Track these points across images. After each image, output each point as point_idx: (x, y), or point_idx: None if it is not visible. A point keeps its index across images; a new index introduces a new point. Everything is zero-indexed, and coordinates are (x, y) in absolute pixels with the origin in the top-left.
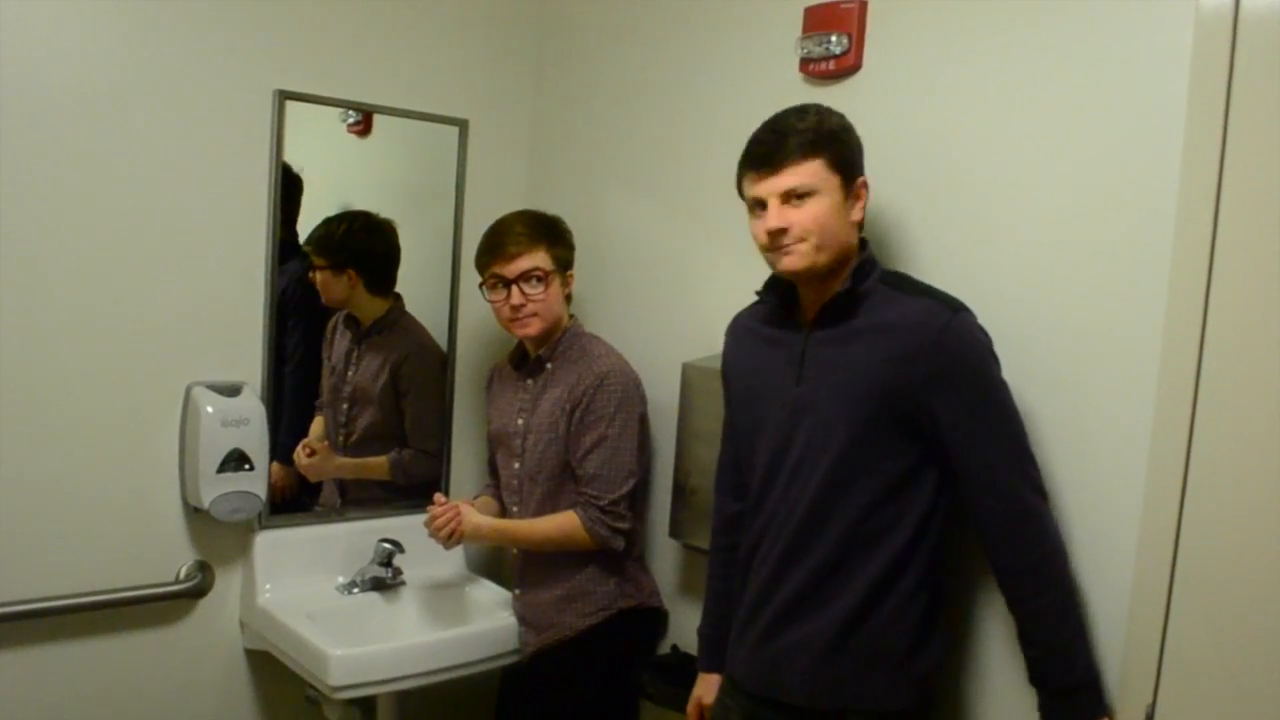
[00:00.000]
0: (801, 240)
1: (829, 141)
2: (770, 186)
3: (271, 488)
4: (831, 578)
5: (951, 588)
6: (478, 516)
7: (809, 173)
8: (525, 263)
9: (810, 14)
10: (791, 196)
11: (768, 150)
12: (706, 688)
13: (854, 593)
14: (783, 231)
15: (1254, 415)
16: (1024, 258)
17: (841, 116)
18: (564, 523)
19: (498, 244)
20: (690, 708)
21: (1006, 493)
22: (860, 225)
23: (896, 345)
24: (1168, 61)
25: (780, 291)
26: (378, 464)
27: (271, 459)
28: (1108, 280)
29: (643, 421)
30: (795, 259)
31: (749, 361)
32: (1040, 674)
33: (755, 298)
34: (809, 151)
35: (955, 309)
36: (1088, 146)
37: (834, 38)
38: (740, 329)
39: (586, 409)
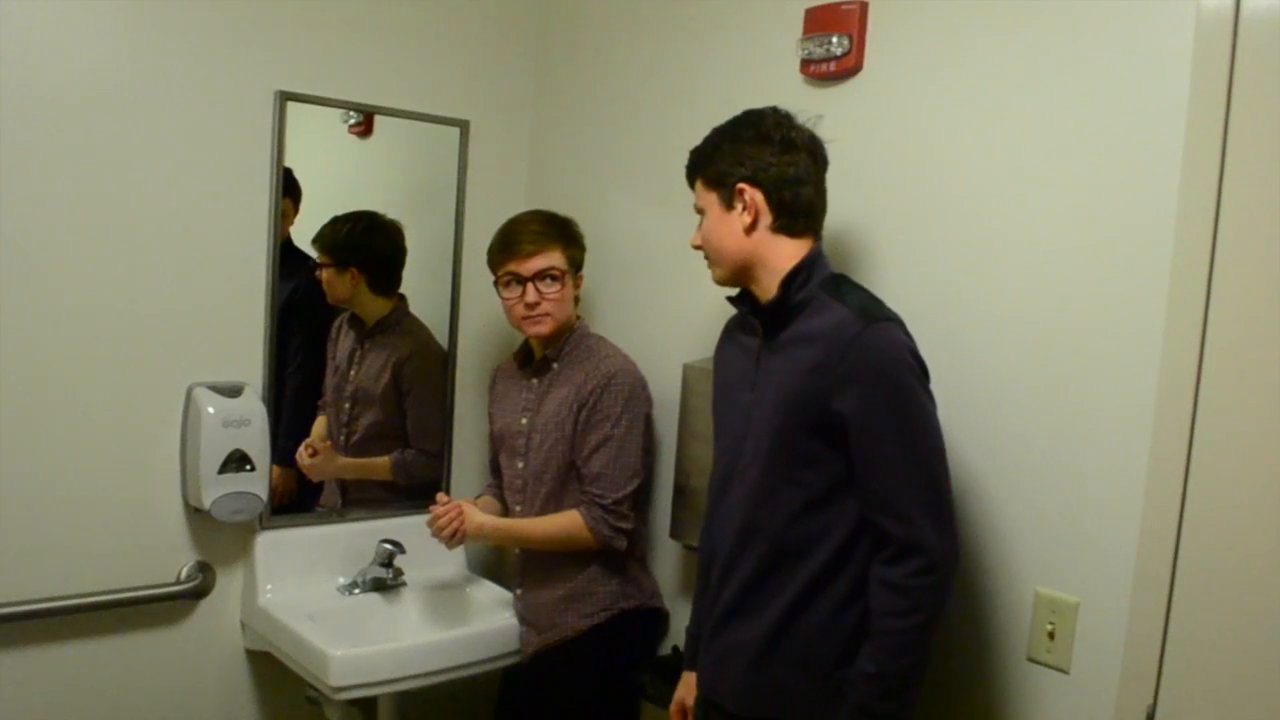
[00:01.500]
0: (707, 257)
1: (700, 163)
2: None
3: (272, 491)
4: (763, 586)
5: None
6: (480, 516)
7: (698, 195)
8: (541, 261)
9: (811, 15)
10: (699, 213)
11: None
12: (688, 688)
13: (782, 601)
14: (699, 249)
15: (1255, 417)
16: (1025, 259)
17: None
18: (567, 522)
19: (514, 242)
20: (672, 708)
21: (902, 517)
22: (751, 230)
23: (812, 355)
24: (1169, 63)
25: (751, 298)
26: (380, 464)
27: (272, 462)
28: (1109, 282)
29: (648, 423)
30: (711, 275)
31: (725, 366)
32: (859, 689)
33: (733, 303)
34: (692, 173)
35: (871, 319)
36: (1089, 148)
37: (835, 39)
38: (727, 332)
39: (593, 408)
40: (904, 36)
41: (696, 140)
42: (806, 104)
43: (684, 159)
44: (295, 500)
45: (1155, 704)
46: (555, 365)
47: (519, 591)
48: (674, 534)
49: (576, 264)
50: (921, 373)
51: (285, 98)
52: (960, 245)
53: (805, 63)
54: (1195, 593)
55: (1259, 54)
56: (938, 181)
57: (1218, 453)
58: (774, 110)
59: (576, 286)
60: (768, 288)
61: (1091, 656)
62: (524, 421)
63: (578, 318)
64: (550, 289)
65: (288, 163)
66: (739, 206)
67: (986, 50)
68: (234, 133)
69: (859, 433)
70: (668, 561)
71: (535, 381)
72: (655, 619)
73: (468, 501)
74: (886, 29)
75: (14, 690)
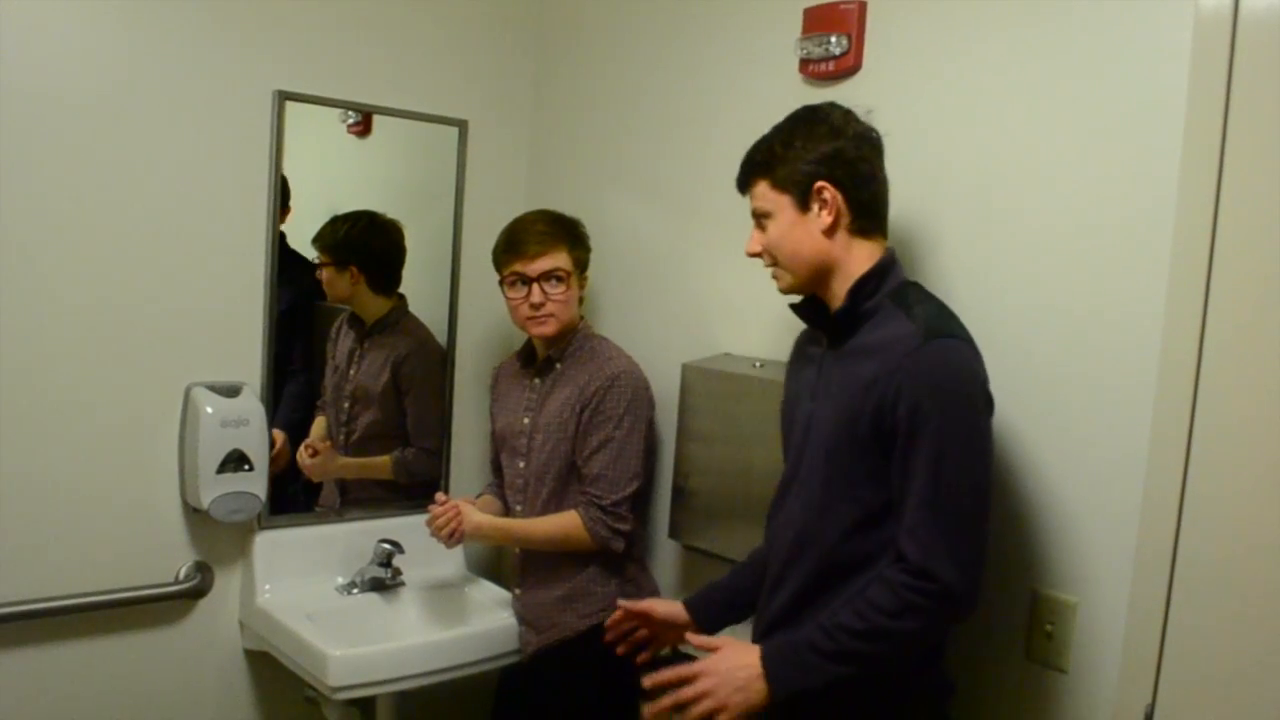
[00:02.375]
0: (773, 263)
1: (768, 163)
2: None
3: (273, 464)
4: (813, 600)
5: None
6: (479, 515)
7: (761, 198)
8: (547, 262)
9: (810, 15)
10: (759, 218)
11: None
12: (667, 607)
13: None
14: (758, 255)
15: (1253, 417)
16: (1024, 257)
17: (814, 129)
18: (565, 522)
19: (520, 242)
20: (636, 606)
21: (920, 543)
22: (831, 232)
23: (872, 368)
24: (1167, 61)
25: (812, 305)
26: (380, 463)
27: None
28: (1107, 279)
29: (651, 425)
30: (778, 284)
31: (792, 378)
32: (807, 629)
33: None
34: (755, 174)
35: (933, 335)
36: (1087, 146)
37: (833, 38)
38: (795, 347)
39: (596, 409)
40: (902, 36)
41: (696, 140)
42: (805, 104)
43: (683, 158)
44: (294, 498)
45: (1154, 703)
46: (559, 366)
47: (518, 591)
48: (673, 534)
49: (582, 265)
50: (982, 403)
51: (284, 97)
52: (957, 244)
53: (804, 62)
54: (1193, 592)
55: (1257, 53)
56: (936, 180)
57: (1216, 453)
58: (834, 105)
59: (581, 287)
60: (839, 294)
61: (1090, 656)
62: (526, 421)
63: (581, 318)
64: (555, 290)
65: (285, 163)
66: (816, 207)
67: (985, 49)
68: (232, 132)
69: (902, 449)
70: (667, 562)
71: (538, 381)
72: None
73: (466, 501)
74: (885, 28)
75: (12, 690)
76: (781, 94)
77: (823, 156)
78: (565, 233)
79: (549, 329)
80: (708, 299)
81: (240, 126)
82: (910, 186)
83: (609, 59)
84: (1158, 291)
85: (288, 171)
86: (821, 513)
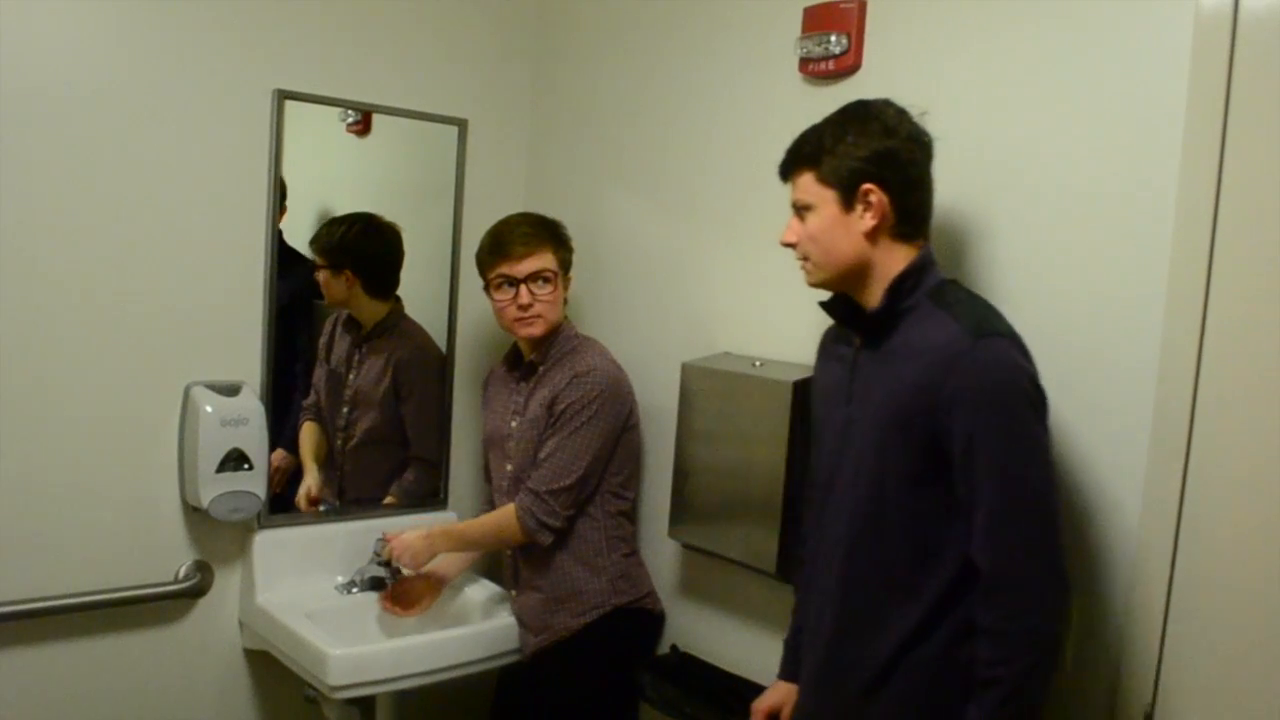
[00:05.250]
0: (805, 257)
1: (816, 155)
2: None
3: (271, 477)
4: (871, 613)
5: None
6: (412, 535)
7: (803, 189)
8: (534, 263)
9: (809, 14)
10: (799, 209)
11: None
12: (775, 694)
13: (887, 644)
14: (792, 246)
15: (1253, 418)
16: (1023, 258)
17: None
18: (500, 515)
19: (506, 244)
20: (762, 705)
21: (999, 550)
22: (873, 235)
23: (916, 372)
24: (1167, 62)
25: (844, 304)
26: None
27: (272, 448)
28: (1107, 279)
29: (628, 426)
30: (806, 277)
31: (821, 378)
32: None
33: (827, 310)
34: (801, 165)
35: (981, 335)
36: (1087, 146)
37: (833, 37)
38: (822, 344)
39: (560, 403)
40: (902, 35)
41: (695, 140)
42: (805, 103)
43: (683, 158)
44: (292, 498)
45: (1153, 703)
46: (541, 368)
47: (513, 593)
48: (673, 533)
49: (566, 265)
50: (1037, 400)
51: (283, 96)
52: (957, 244)
53: (804, 61)
54: (1193, 594)
55: (1258, 53)
56: (936, 180)
57: (1216, 454)
58: (888, 102)
59: (565, 288)
60: (873, 295)
61: (1090, 657)
62: (513, 424)
63: (565, 318)
64: (543, 290)
65: (284, 162)
66: (860, 208)
67: (984, 49)
68: (232, 131)
69: (963, 458)
70: (667, 560)
71: (523, 384)
72: (650, 618)
73: (407, 533)
74: (885, 27)
75: (11, 690)
76: (781, 93)
77: (873, 155)
78: (549, 234)
79: (536, 330)
80: (707, 298)
81: (240, 125)
82: None
83: (608, 58)
84: (1157, 291)
85: (286, 171)
86: (875, 522)
